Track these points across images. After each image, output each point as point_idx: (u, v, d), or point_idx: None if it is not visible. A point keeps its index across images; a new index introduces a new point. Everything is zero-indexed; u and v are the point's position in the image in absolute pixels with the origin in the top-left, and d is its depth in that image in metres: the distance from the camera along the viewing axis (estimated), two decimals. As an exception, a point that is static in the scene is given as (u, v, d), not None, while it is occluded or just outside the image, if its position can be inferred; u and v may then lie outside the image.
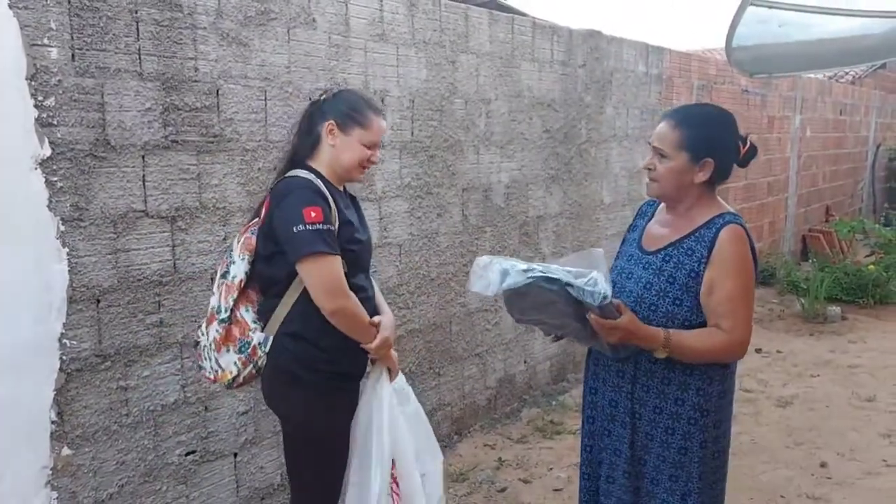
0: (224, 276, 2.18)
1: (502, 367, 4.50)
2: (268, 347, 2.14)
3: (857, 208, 11.89)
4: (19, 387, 2.31)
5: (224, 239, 2.83)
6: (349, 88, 2.51)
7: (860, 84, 11.78)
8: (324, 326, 2.09)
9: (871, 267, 7.60)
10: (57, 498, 2.42)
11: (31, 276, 2.31)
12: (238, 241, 2.19)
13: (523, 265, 1.94)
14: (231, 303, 2.13)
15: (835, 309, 6.90)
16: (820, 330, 6.58)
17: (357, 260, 2.20)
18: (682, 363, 2.02)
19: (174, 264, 2.69)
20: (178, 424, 2.74)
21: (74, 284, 2.42)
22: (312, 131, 2.21)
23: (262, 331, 2.15)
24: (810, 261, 8.59)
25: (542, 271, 1.89)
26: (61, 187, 2.36)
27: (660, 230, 2.14)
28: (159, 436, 2.70)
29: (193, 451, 2.81)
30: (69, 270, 2.40)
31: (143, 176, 2.58)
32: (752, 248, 2.03)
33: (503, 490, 3.58)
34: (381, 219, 3.57)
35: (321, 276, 2.02)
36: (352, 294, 2.08)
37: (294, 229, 1.99)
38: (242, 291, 2.16)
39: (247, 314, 2.17)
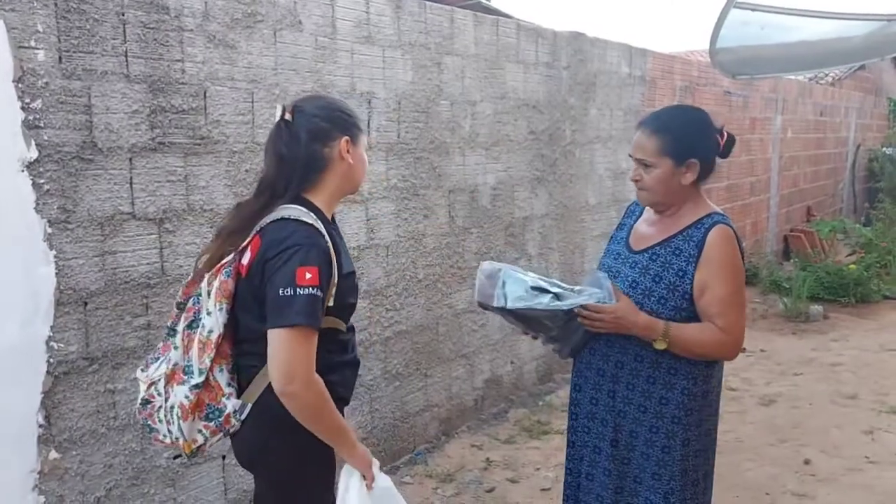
0: (191, 326, 1.80)
1: (489, 368, 4.52)
2: (244, 416, 1.80)
3: (837, 208, 12.04)
4: (6, 390, 2.30)
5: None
6: (316, 94, 2.30)
7: (840, 86, 11.93)
8: (323, 369, 1.78)
9: (852, 266, 7.71)
10: (44, 502, 2.41)
11: (17, 278, 2.30)
12: (211, 286, 1.79)
13: (530, 279, 2.01)
14: (208, 363, 1.76)
15: (817, 308, 6.99)
16: (802, 329, 6.66)
17: (354, 310, 1.94)
18: (667, 363, 2.04)
19: (161, 266, 2.68)
20: (166, 427, 2.73)
21: (61, 287, 2.41)
22: (319, 157, 1.83)
23: (237, 396, 1.80)
24: (792, 260, 8.70)
25: (555, 294, 2.00)
26: (48, 190, 2.35)
27: (647, 229, 2.17)
28: (147, 439, 2.69)
29: (181, 455, 2.80)
30: (56, 273, 2.39)
31: (131, 178, 2.58)
32: (740, 248, 2.06)
33: (491, 490, 3.59)
34: (367, 220, 3.57)
35: (291, 353, 1.68)
36: (317, 379, 1.73)
37: (281, 292, 1.67)
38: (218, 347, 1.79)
39: (220, 375, 1.80)
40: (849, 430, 4.33)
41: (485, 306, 2.11)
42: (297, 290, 1.66)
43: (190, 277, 1.92)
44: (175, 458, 2.75)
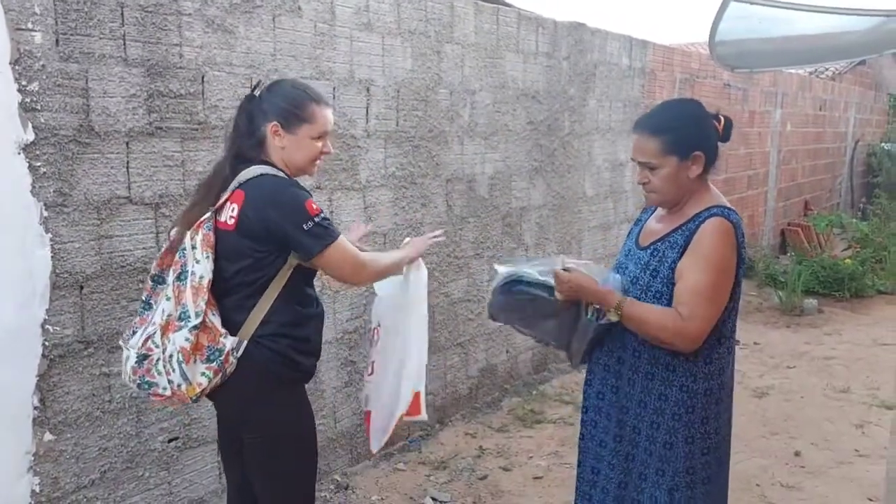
0: (180, 278, 1.97)
1: (484, 357, 4.53)
2: (240, 353, 2.00)
3: (835, 203, 12.05)
4: (1, 373, 2.30)
5: (208, 226, 2.83)
6: (286, 79, 2.40)
7: (840, 80, 11.91)
8: (301, 318, 2.08)
9: (848, 261, 7.73)
10: (39, 483, 2.42)
11: (13, 261, 2.30)
12: (194, 240, 1.98)
13: (537, 272, 2.13)
14: (202, 306, 1.93)
15: (811, 302, 7.02)
16: (797, 322, 6.69)
17: None
18: (665, 360, 2.02)
19: (158, 251, 2.67)
20: (160, 411, 2.75)
21: (57, 270, 2.41)
22: (255, 132, 2.08)
23: (232, 335, 2.00)
24: (788, 254, 8.72)
25: (514, 278, 2.15)
26: (45, 173, 2.35)
27: (655, 225, 2.15)
28: (142, 422, 2.70)
29: (176, 438, 2.82)
30: (52, 256, 2.39)
31: (127, 162, 2.58)
32: (739, 243, 1.99)
33: (484, 478, 3.62)
34: (365, 208, 3.58)
35: (344, 260, 2.06)
36: (367, 259, 2.16)
37: (304, 226, 1.97)
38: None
39: (215, 318, 1.98)
40: (840, 423, 4.37)
41: (494, 315, 2.25)
42: (314, 219, 1.99)
43: (163, 249, 2.10)
44: (170, 441, 2.78)
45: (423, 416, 2.43)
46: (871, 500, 3.46)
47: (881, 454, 3.93)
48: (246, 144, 2.08)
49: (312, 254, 2.01)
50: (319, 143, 2.12)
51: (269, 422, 2.07)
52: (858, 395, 4.82)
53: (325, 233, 2.01)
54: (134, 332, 2.04)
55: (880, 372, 5.28)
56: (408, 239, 2.46)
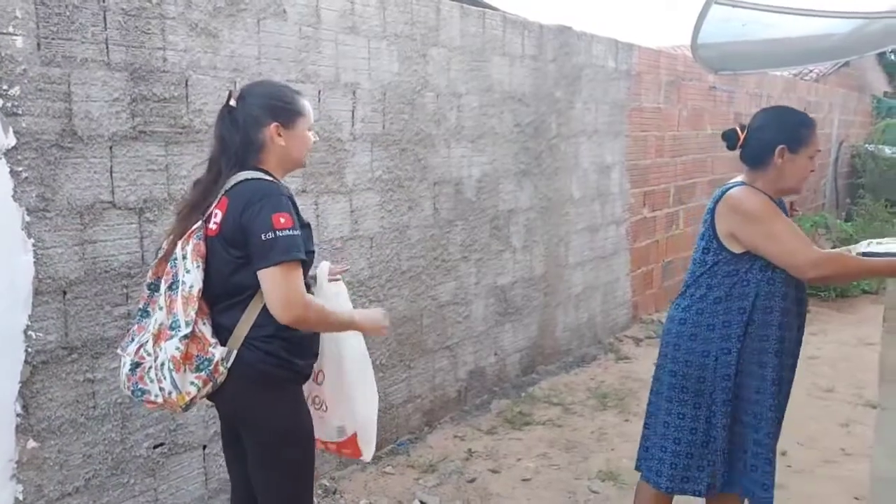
0: (172, 287, 1.98)
1: (472, 360, 4.53)
2: (230, 362, 2.00)
3: (820, 204, 12.13)
4: (-17, 379, 2.28)
5: (193, 231, 2.82)
6: (257, 81, 2.40)
7: (824, 82, 12.01)
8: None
9: (833, 261, 7.78)
10: (23, 491, 2.40)
11: (-5, 267, 2.28)
12: (185, 250, 2.00)
13: None
14: (193, 315, 1.95)
15: (797, 302, 7.05)
16: (782, 322, 6.72)
17: (313, 258, 2.17)
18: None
19: (142, 256, 2.67)
20: (146, 417, 2.73)
21: (40, 276, 2.39)
22: (253, 140, 2.05)
23: (222, 345, 2.00)
24: (774, 255, 8.76)
25: None
26: (27, 178, 2.34)
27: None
28: (127, 428, 2.68)
29: (162, 444, 2.80)
30: (35, 262, 2.37)
31: (111, 167, 2.56)
32: None
33: (472, 481, 3.62)
34: (351, 211, 3.57)
35: (284, 286, 1.93)
36: (311, 299, 2.02)
37: (263, 236, 1.91)
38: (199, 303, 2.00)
39: (205, 328, 2.00)
40: (825, 422, 4.39)
41: None
42: (277, 233, 1.91)
43: (158, 258, 2.09)
44: (156, 447, 2.77)
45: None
46: (856, 498, 3.48)
47: (866, 453, 3.94)
48: (244, 154, 2.05)
49: (258, 266, 1.94)
50: (310, 133, 2.16)
51: (266, 421, 2.08)
52: (843, 395, 4.85)
53: (279, 251, 1.91)
54: (132, 339, 2.05)
55: (865, 371, 5.30)
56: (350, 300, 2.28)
